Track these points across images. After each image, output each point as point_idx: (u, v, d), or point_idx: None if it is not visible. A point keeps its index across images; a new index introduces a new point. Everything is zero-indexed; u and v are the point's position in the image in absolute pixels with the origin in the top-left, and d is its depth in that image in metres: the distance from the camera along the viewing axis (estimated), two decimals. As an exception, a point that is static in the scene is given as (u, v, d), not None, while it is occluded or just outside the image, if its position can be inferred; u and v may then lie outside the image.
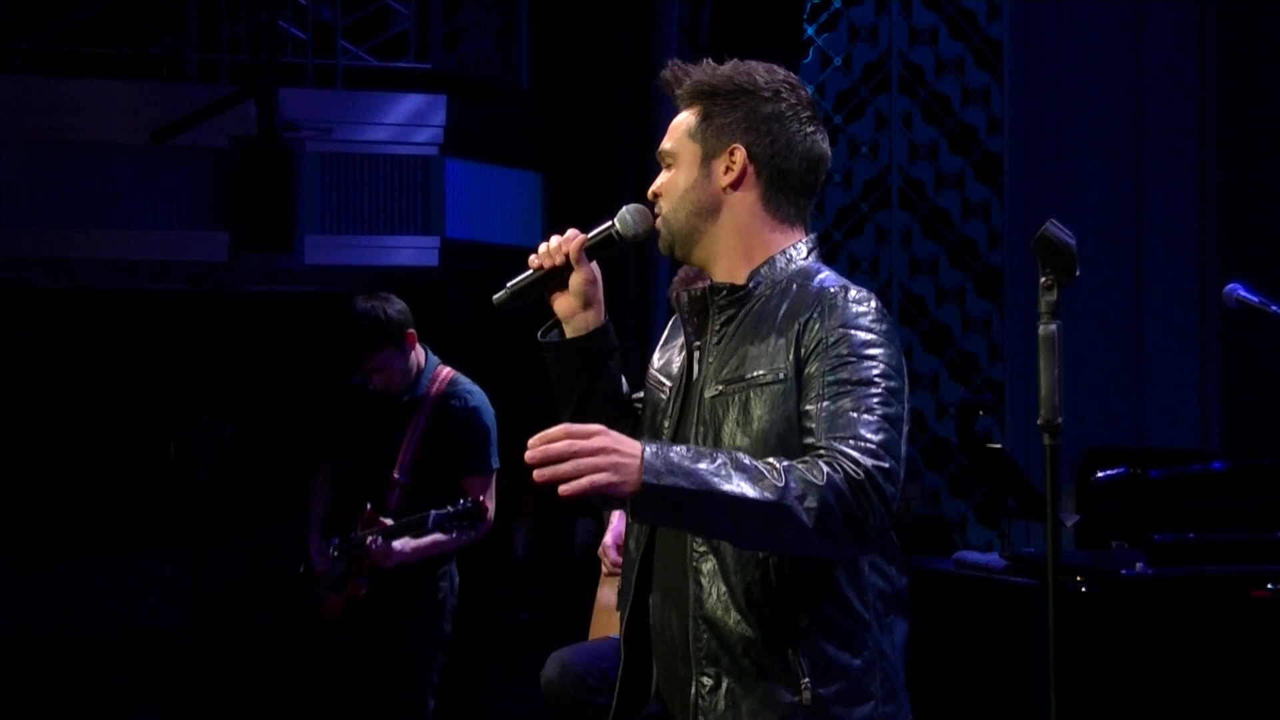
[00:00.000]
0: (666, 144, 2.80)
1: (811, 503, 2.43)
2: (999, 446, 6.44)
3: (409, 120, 7.09)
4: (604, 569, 4.92)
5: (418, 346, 5.17)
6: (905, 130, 8.63)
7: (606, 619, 5.07)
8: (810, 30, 8.37)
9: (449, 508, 4.88)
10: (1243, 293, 4.50)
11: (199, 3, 7.04)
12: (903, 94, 8.62)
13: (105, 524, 7.82)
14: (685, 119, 2.78)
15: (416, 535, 4.95)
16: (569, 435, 2.41)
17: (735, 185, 2.73)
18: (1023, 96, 8.72)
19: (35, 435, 7.79)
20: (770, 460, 2.47)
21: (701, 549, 2.65)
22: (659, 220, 2.79)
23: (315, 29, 7.15)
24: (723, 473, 2.42)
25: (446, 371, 5.22)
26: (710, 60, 2.80)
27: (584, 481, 2.39)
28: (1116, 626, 5.12)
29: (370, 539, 4.96)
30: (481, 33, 7.72)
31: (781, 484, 2.43)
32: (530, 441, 2.42)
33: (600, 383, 2.84)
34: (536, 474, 2.41)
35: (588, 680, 4.69)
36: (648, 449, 2.42)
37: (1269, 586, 5.16)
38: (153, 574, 7.82)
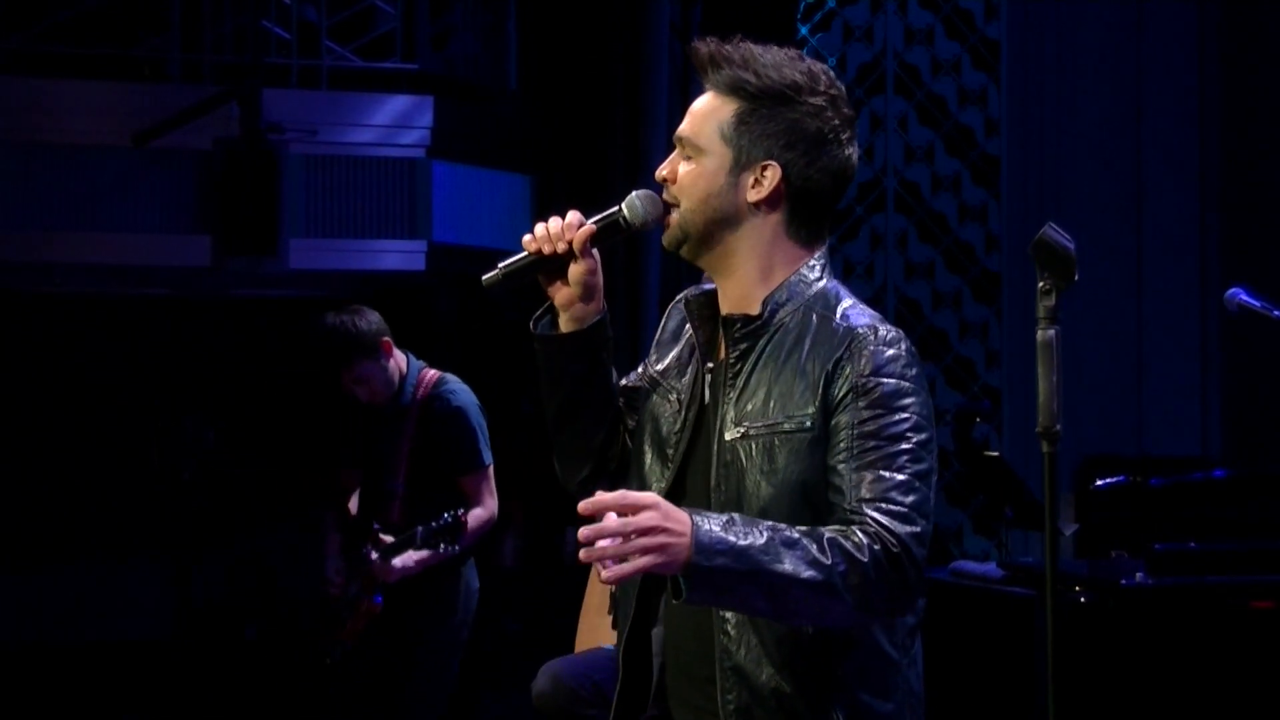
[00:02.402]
0: (689, 133, 2.63)
1: (854, 579, 2.40)
2: (996, 454, 6.42)
3: (395, 122, 7.08)
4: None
5: (396, 353, 5.12)
6: (901, 132, 8.56)
7: (594, 623, 5.03)
8: (804, 30, 8.31)
9: (433, 523, 4.83)
10: (1244, 298, 4.50)
11: (181, 3, 7.00)
12: (898, 95, 8.55)
13: (88, 530, 7.83)
14: (718, 112, 2.61)
15: (416, 549, 4.92)
16: (623, 504, 2.34)
17: (761, 203, 2.60)
18: (1021, 98, 8.65)
19: (17, 441, 7.79)
20: (811, 531, 2.42)
21: None
22: (672, 214, 2.64)
23: (300, 29, 7.16)
24: (771, 550, 2.38)
25: (431, 374, 5.17)
26: (749, 43, 2.63)
27: (628, 566, 2.33)
28: (1116, 637, 5.14)
29: (373, 557, 4.95)
30: (469, 33, 7.69)
31: (829, 561, 2.39)
32: (581, 507, 2.35)
33: (593, 377, 2.71)
34: (583, 554, 2.34)
35: (580, 693, 4.74)
36: (699, 526, 2.35)
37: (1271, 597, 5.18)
38: (136, 581, 7.81)
